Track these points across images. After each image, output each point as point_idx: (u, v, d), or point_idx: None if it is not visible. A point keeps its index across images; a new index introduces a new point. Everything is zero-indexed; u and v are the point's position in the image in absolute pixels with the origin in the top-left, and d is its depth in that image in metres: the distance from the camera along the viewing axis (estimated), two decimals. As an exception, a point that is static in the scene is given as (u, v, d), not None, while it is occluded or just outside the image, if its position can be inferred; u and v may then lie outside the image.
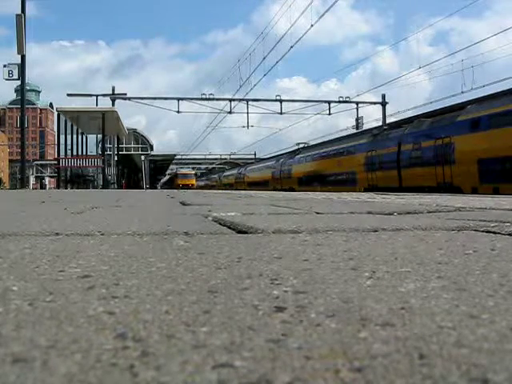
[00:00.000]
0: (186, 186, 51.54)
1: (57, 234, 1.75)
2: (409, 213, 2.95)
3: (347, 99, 34.52)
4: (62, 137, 24.00)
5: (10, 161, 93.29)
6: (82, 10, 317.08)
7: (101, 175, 24.02)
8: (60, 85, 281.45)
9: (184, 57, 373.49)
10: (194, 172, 65.86)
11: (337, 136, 31.88)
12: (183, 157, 66.53)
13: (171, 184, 63.66)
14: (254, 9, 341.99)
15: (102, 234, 1.75)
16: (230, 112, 34.84)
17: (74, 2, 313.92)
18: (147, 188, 38.08)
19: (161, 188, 61.85)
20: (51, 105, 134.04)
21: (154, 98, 34.48)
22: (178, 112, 33.61)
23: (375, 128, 25.85)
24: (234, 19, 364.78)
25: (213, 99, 34.07)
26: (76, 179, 23.74)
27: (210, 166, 74.64)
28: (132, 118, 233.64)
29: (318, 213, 2.97)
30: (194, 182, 60.91)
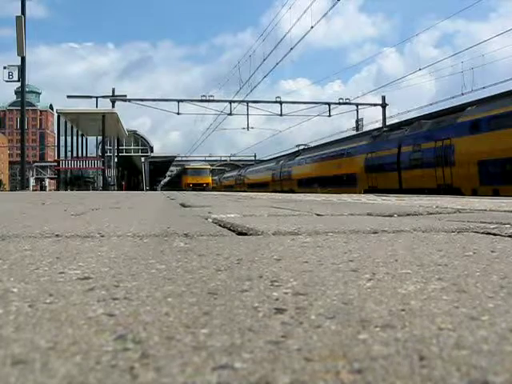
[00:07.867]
0: (199, 187, 38.67)
1: (57, 235, 1.75)
2: (409, 214, 2.95)
3: (347, 101, 34.53)
4: (62, 138, 24.07)
5: (10, 162, 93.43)
6: (91, 12, 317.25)
7: (101, 177, 24.04)
8: (69, 87, 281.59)
9: (193, 59, 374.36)
10: (208, 166, 48.98)
11: (337, 138, 31.87)
12: (183, 158, 65.16)
13: (175, 184, 52.70)
14: (263, 12, 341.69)
15: (102, 236, 1.75)
16: (231, 114, 34.85)
17: (83, 5, 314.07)
18: (147, 190, 37.93)
19: (161, 190, 59.07)
20: (51, 106, 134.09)
21: (154, 100, 34.46)
22: (178, 114, 33.63)
23: (375, 130, 25.85)
24: (243, 22, 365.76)
25: (213, 101, 34.08)
26: (76, 181, 23.76)
27: (211, 168, 73.79)
28: (137, 119, 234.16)
29: (318, 214, 2.97)
30: (209, 180, 45.28)
